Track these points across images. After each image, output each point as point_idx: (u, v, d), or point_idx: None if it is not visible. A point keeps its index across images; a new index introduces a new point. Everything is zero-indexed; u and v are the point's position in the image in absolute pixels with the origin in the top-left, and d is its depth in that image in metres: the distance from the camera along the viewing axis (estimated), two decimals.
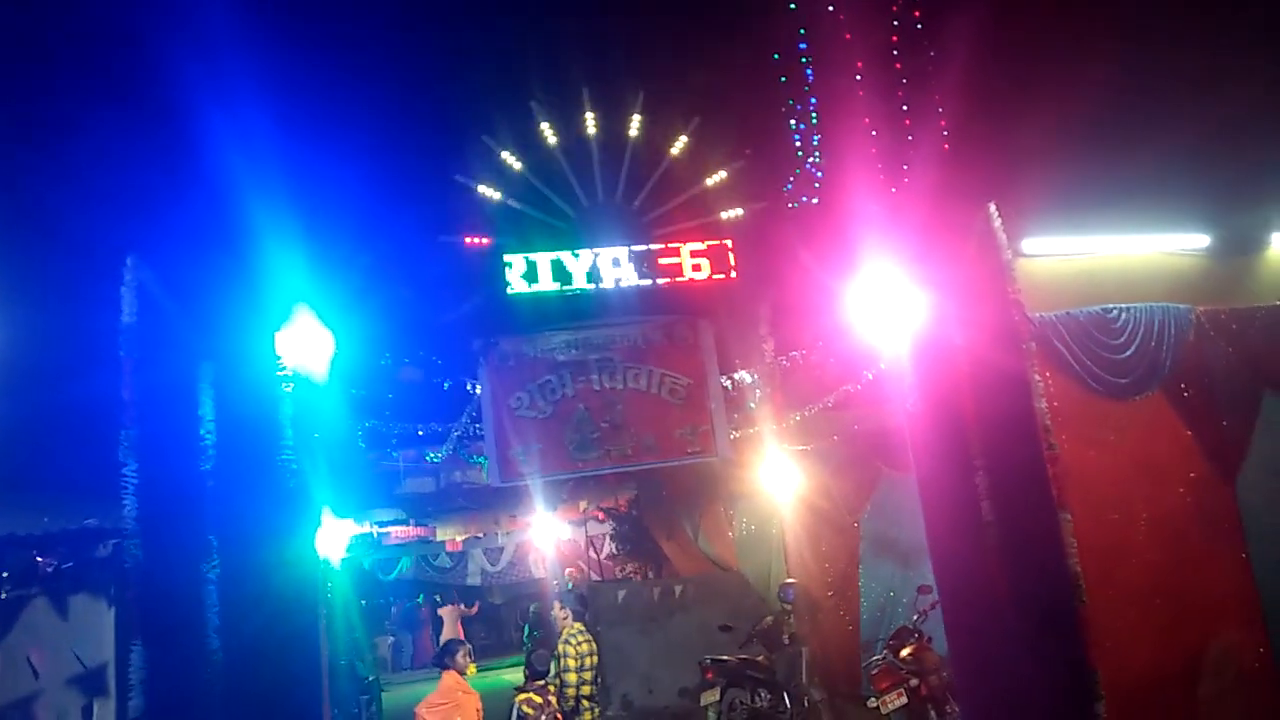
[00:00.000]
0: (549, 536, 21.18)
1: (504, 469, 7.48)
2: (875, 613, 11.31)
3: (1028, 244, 6.47)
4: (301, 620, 4.64)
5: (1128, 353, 6.41)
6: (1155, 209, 6.88)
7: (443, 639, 18.71)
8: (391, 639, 21.85)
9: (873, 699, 8.51)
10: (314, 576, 4.92)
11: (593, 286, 7.19)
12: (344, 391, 6.52)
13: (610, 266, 7.21)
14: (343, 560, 15.69)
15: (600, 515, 19.91)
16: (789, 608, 11.16)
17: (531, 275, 7.10)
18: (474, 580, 21.98)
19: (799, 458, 12.02)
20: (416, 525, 18.75)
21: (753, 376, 8.13)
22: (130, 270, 4.67)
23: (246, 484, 4.53)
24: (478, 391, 7.34)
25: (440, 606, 20.14)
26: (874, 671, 8.58)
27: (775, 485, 12.42)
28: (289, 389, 4.74)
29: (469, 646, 7.38)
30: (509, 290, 7.10)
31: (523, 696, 6.77)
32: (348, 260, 5.93)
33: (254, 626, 4.43)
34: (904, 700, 8.17)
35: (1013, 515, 5.50)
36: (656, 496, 16.67)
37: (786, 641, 10.90)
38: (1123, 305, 6.59)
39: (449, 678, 6.89)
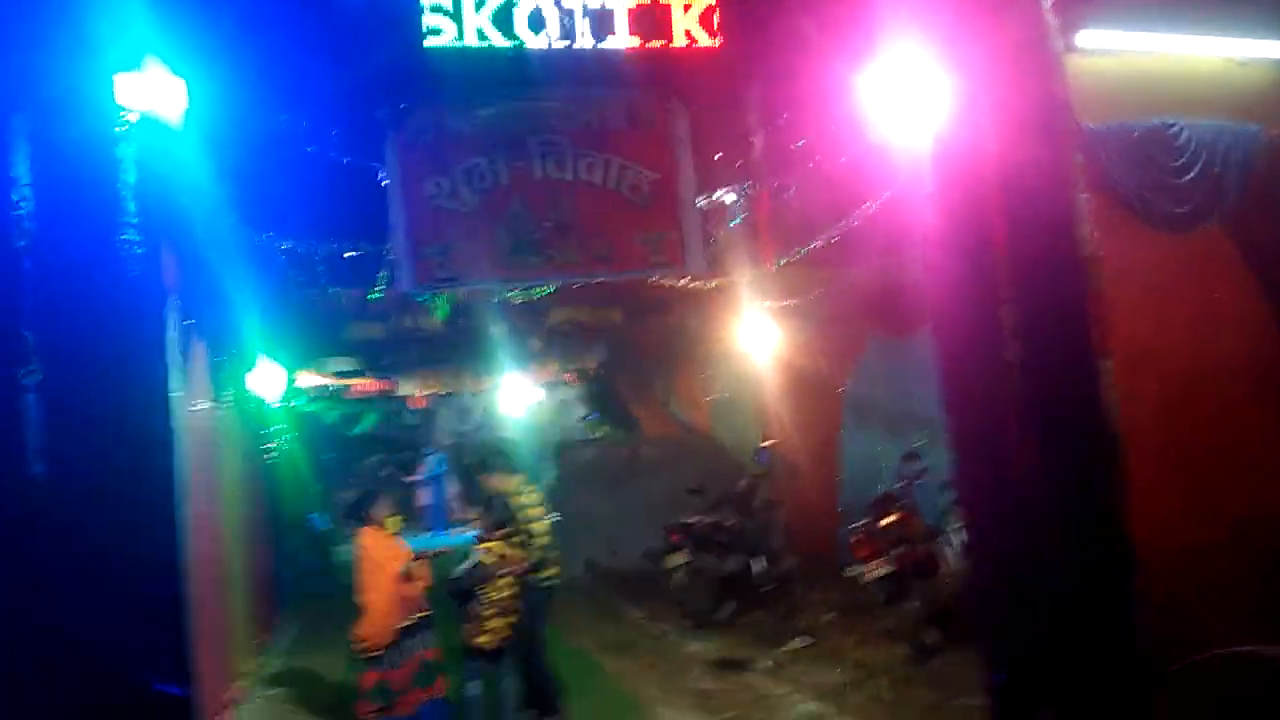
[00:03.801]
0: (519, 399, 20.44)
1: (417, 271, 5.95)
2: (856, 482, 10.61)
3: (1082, 37, 5.30)
4: (153, 447, 3.66)
5: (1188, 176, 5.39)
6: (1230, 5, 5.71)
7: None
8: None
9: (852, 568, 7.84)
10: (166, 392, 3.89)
11: (540, 44, 5.53)
12: (221, 175, 5.21)
13: (560, 15, 5.52)
14: (291, 410, 14.85)
15: (570, 379, 19.23)
16: (764, 472, 10.42)
17: (457, 20, 5.45)
18: (444, 439, 21.22)
19: (780, 317, 11.07)
20: (376, 378, 17.83)
21: (737, 192, 6.82)
22: None
23: (74, 266, 3.47)
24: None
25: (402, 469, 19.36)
26: (854, 539, 7.88)
27: (753, 347, 11.52)
28: (129, 142, 3.57)
29: (392, 499, 6.50)
30: (426, 42, 5.45)
31: (482, 548, 5.98)
32: None
33: (90, 452, 3.46)
34: (887, 569, 7.49)
35: (1045, 360, 4.57)
36: (628, 359, 15.82)
37: (760, 506, 10.20)
38: (1184, 121, 5.51)
39: (367, 537, 6.04)
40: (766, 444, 10.80)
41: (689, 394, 14.53)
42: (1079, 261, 4.73)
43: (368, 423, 23.66)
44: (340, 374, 16.65)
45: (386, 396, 20.96)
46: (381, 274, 8.71)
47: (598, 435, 17.42)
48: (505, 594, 5.92)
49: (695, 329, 12.98)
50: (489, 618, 5.87)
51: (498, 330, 13.67)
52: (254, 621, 8.40)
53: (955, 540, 8.72)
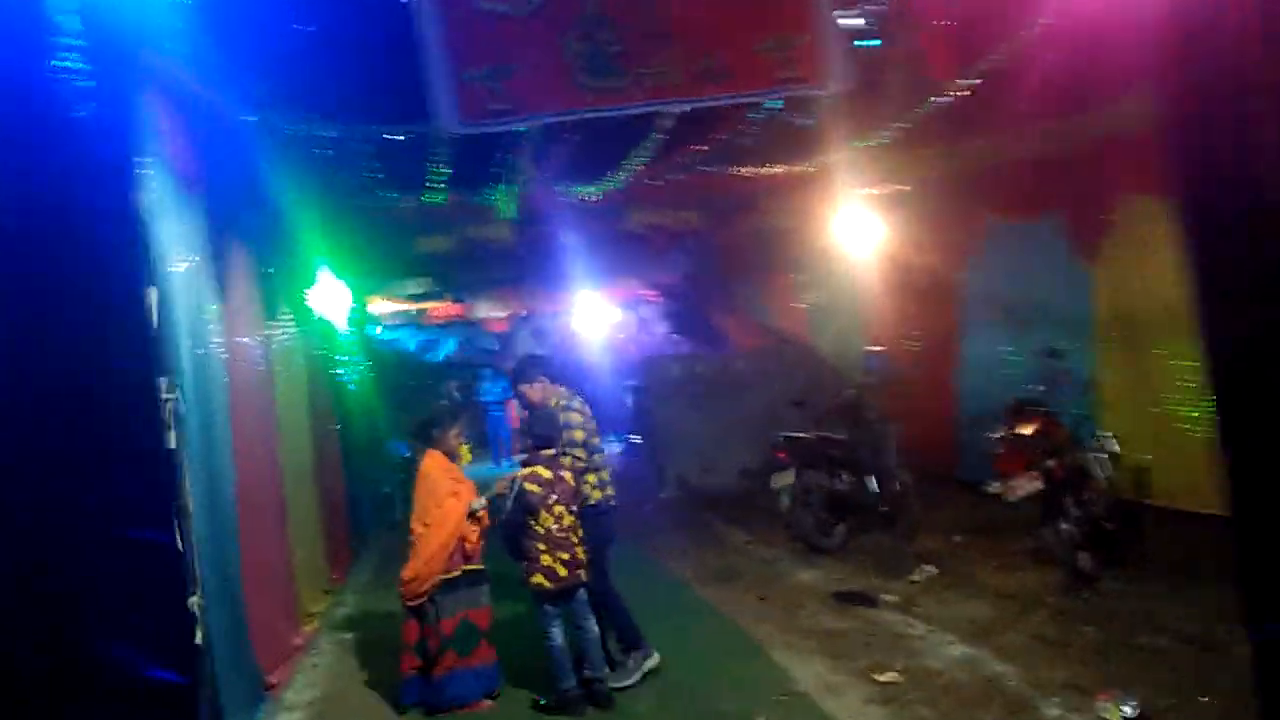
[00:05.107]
0: (597, 318, 19.59)
1: (461, 102, 4.60)
2: (978, 387, 9.42)
3: None
4: (122, 322, 2.82)
5: None
6: None
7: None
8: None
9: (994, 484, 6.76)
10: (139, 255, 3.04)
11: None
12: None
13: None
14: (365, 335, 14.24)
15: (651, 296, 18.23)
16: (873, 381, 9.30)
17: None
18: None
19: (885, 206, 9.82)
20: (452, 301, 17.16)
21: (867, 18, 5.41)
22: None
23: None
24: None
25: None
26: (997, 451, 6.77)
27: (854, 242, 10.31)
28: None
29: (462, 424, 5.63)
30: None
31: (526, 472, 5.06)
32: None
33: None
34: (1038, 485, 6.39)
35: None
36: (711, 267, 14.73)
37: (872, 418, 9.11)
38: None
39: (430, 461, 5.21)
40: (875, 349, 9.65)
41: (781, 301, 13.39)
42: None
43: (447, 348, 23.22)
44: (414, 297, 16.01)
45: (464, 321, 20.43)
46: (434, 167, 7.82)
47: (683, 350, 16.44)
48: (560, 524, 5.03)
49: (786, 228, 11.79)
50: (543, 553, 4.99)
51: (571, 240, 12.72)
52: (326, 559, 7.79)
53: (1106, 450, 7.55)
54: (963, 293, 9.70)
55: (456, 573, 5.07)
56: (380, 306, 16.45)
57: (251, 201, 6.69)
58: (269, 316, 6.98)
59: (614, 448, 18.09)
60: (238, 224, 6.14)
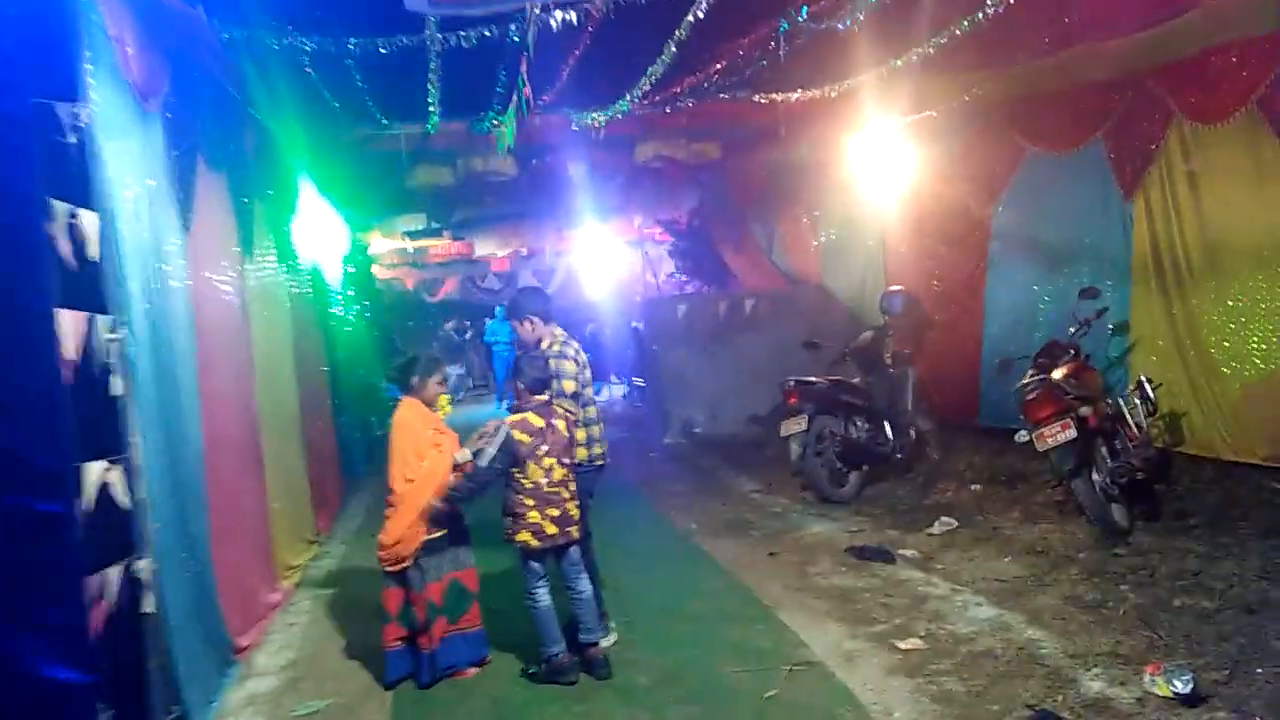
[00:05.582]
0: (602, 257, 19.02)
1: None
2: (1006, 328, 8.92)
3: None
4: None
5: None
6: None
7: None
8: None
9: (1023, 432, 6.29)
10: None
11: None
12: None
13: None
14: (363, 274, 13.76)
15: (658, 235, 17.61)
16: (893, 321, 8.80)
17: None
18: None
19: (908, 135, 9.19)
20: (453, 239, 16.60)
21: None
22: None
23: None
24: None
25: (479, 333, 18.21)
26: (1029, 396, 6.29)
27: (875, 176, 9.70)
28: None
29: (445, 369, 5.16)
30: None
31: (515, 419, 4.59)
32: None
33: None
34: (1072, 434, 5.92)
35: None
36: (724, 203, 14.09)
37: (890, 361, 8.64)
38: None
39: (409, 410, 4.74)
40: (896, 289, 9.12)
41: (796, 239, 12.79)
42: None
43: (449, 288, 22.73)
44: (412, 234, 15.46)
45: (466, 260, 19.88)
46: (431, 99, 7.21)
47: (691, 290, 15.91)
48: (550, 478, 4.55)
49: (803, 161, 11.16)
50: (530, 509, 4.52)
51: (578, 172, 12.10)
52: (312, 506, 7.39)
53: (1143, 397, 7.09)
54: (992, 227, 9.12)
55: (440, 532, 4.64)
56: (377, 244, 15.92)
57: (226, 123, 6.14)
58: (247, 251, 6.48)
59: (618, 390, 17.72)
60: (209, 147, 5.61)
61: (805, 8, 5.85)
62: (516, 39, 5.57)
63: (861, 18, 5.97)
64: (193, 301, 4.95)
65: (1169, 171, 7.34)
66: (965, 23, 6.41)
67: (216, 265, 5.63)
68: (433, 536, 4.60)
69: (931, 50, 6.87)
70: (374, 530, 4.89)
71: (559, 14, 5.28)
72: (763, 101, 8.91)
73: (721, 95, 8.74)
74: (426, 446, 4.62)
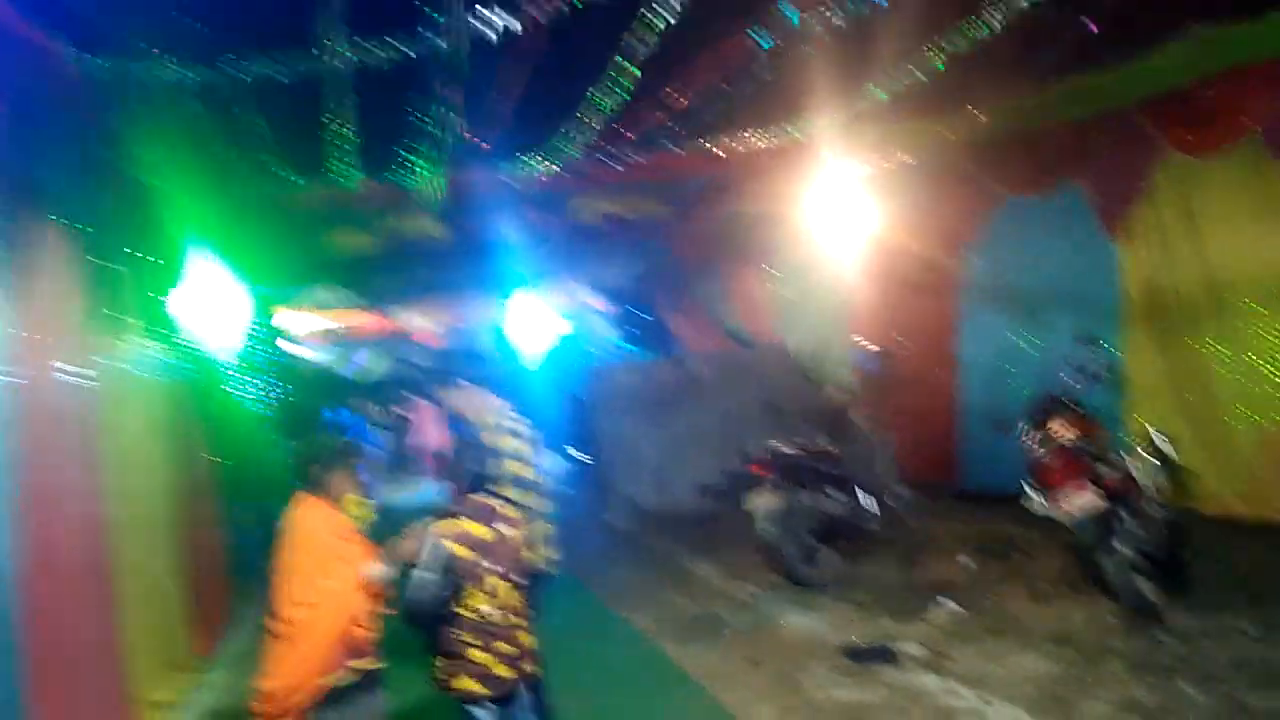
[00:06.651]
0: (541, 322, 18.10)
1: None
2: (985, 382, 8.18)
3: None
4: None
5: None
6: None
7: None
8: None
9: (1035, 498, 5.45)
10: None
11: None
12: None
13: None
14: (272, 355, 12.57)
15: (601, 303, 16.83)
16: (861, 381, 7.99)
17: None
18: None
19: (870, 186, 8.50)
20: (371, 308, 15.49)
21: None
22: None
23: None
24: None
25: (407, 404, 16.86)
26: (1038, 459, 5.46)
27: (833, 227, 8.96)
28: None
29: (358, 458, 3.87)
30: None
31: (448, 527, 3.50)
32: None
33: None
34: (1099, 500, 5.09)
35: None
36: (669, 264, 13.28)
37: (863, 427, 7.79)
38: None
39: (309, 512, 3.60)
40: (868, 345, 8.33)
41: (747, 297, 12.04)
42: None
43: (377, 367, 21.47)
44: (324, 306, 14.30)
45: (392, 334, 18.73)
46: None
47: (634, 357, 15.02)
48: (495, 603, 3.46)
49: (760, 214, 10.41)
50: (471, 647, 3.41)
51: (511, 235, 11.17)
52: (184, 626, 6.08)
53: (1158, 454, 6.30)
54: (965, 278, 8.45)
55: (347, 679, 3.51)
56: (292, 317, 14.71)
57: (82, 172, 5.08)
58: (109, 324, 5.34)
59: (556, 466, 16.56)
60: (56, 202, 4.55)
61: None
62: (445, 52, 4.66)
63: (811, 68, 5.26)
64: (14, 396, 3.83)
65: (1160, 209, 6.74)
66: (937, 63, 5.78)
67: (55, 343, 4.49)
68: (344, 682, 3.44)
69: (892, 94, 6.24)
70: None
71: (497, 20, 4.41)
72: (716, 152, 8.16)
73: (666, 144, 7.98)
74: (331, 560, 3.49)
